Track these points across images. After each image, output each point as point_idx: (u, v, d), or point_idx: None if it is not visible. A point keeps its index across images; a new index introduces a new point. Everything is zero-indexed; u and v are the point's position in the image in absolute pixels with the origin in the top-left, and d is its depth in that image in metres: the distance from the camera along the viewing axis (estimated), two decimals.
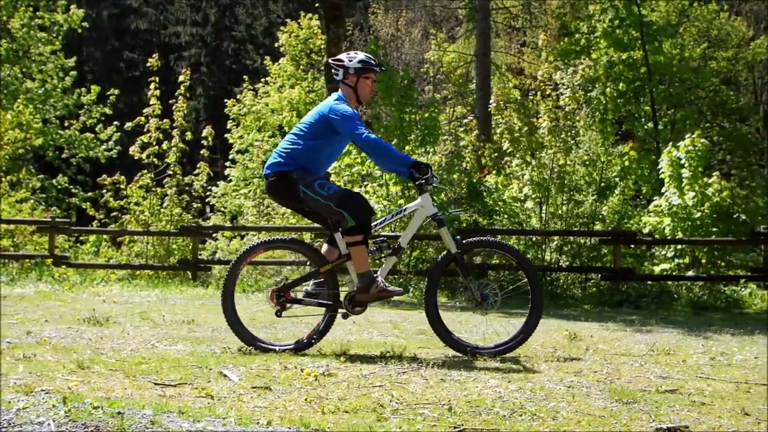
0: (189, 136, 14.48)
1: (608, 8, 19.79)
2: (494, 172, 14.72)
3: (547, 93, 14.03)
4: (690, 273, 12.54)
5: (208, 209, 18.42)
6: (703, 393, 4.68)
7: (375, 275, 5.88)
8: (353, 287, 5.99)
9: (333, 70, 6.23)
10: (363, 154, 12.87)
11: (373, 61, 6.16)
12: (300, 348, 5.89)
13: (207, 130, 15.11)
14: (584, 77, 15.20)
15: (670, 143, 14.06)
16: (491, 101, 14.61)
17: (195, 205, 14.84)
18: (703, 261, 12.97)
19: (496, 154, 14.63)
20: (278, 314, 6.02)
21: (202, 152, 15.16)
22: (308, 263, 6.69)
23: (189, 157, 17.12)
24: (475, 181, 13.95)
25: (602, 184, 13.62)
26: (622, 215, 13.78)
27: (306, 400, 4.19)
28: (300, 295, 6.05)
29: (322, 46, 21.05)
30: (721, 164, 23.12)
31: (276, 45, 24.15)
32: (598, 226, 13.41)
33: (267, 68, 24.02)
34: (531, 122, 13.89)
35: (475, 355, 5.78)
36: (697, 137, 13.37)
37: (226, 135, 20.49)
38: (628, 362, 5.77)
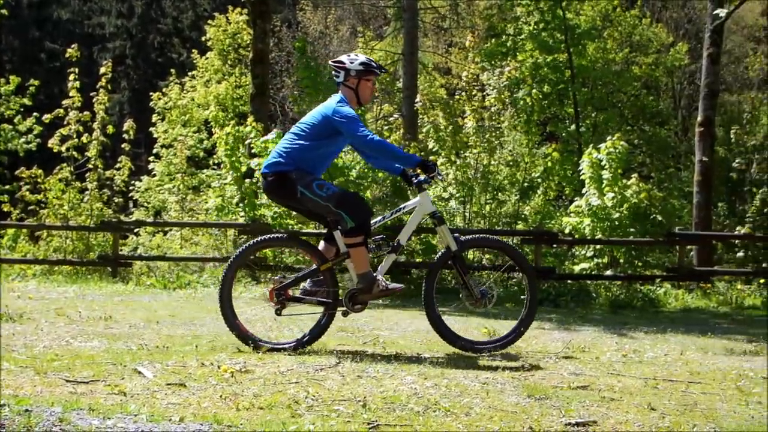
0: (111, 129, 14.20)
1: (534, 11, 20.06)
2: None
3: (473, 93, 14.15)
4: (608, 272, 12.79)
5: (131, 204, 18.12)
6: (613, 389, 4.78)
7: (375, 274, 5.94)
8: (353, 285, 6.03)
9: (333, 72, 6.24)
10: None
11: (374, 64, 6.20)
12: (299, 346, 5.91)
13: (128, 124, 14.84)
14: (510, 78, 15.41)
15: (591, 145, 14.32)
16: (417, 100, 14.68)
17: (116, 200, 14.57)
18: (621, 261, 13.25)
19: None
20: (278, 313, 6.04)
21: (123, 146, 14.88)
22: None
23: (112, 151, 16.81)
24: (399, 179, 13.98)
25: (525, 185, 13.81)
26: (544, 215, 14.00)
27: (221, 396, 4.16)
28: (299, 294, 6.07)
29: (250, 41, 20.87)
30: (640, 167, 23.66)
31: (203, 39, 23.88)
32: (520, 226, 13.60)
33: (194, 62, 23.74)
34: (456, 122, 14.00)
35: (475, 351, 5.96)
36: (618, 140, 13.64)
37: (151, 129, 20.19)
38: (544, 359, 5.86)
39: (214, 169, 17.91)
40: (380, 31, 27.56)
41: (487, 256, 12.80)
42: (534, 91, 15.17)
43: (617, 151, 13.44)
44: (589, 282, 12.58)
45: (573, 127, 20.75)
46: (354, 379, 4.76)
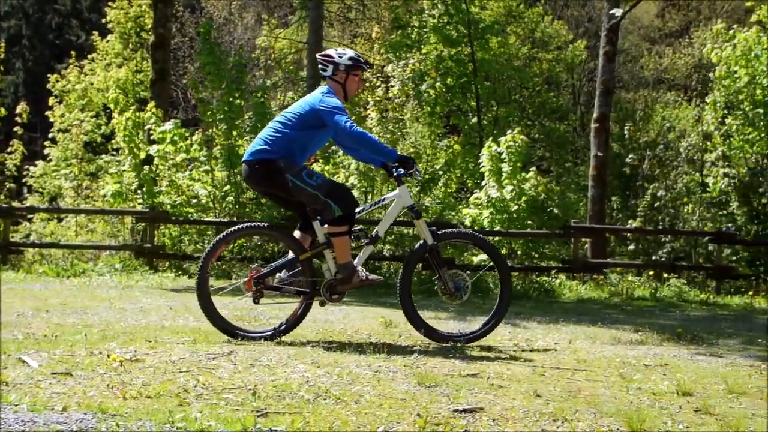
0: (2, 112, 13.74)
1: (438, 3, 20.23)
2: (321, 160, 14.79)
3: (377, 85, 14.21)
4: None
5: (25, 190, 17.58)
6: (502, 377, 4.89)
7: (355, 265, 5.99)
8: (330, 275, 6.05)
9: (320, 66, 6.27)
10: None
11: (361, 59, 6.28)
12: (277, 335, 5.95)
13: (21, 107, 14.39)
14: (414, 71, 15.54)
15: (491, 139, 14.57)
16: None
17: (8, 185, 14.13)
18: (519, 252, 13.55)
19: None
20: (256, 301, 6.01)
21: (15, 129, 14.42)
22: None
23: (6, 134, 16.28)
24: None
25: (427, 176, 13.95)
26: (445, 206, 14.16)
27: (108, 385, 4.10)
28: (276, 282, 6.04)
29: (152, 25, 20.46)
30: (540, 161, 24.21)
31: (104, 21, 23.28)
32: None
33: (94, 45, 23.14)
34: (359, 112, 14.04)
35: (448, 342, 6.09)
36: (518, 134, 13.91)
37: (48, 113, 19.61)
38: (437, 348, 5.95)
39: (112, 154, 17.52)
40: (285, 20, 27.38)
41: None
42: (437, 84, 15.34)
43: (517, 144, 13.71)
44: (487, 273, 12.79)
45: (475, 120, 21.04)
46: (246, 367, 4.74)
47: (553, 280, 12.69)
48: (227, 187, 13.50)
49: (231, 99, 13.51)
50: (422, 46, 19.97)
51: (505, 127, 19.11)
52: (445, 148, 15.20)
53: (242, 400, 3.92)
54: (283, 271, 6.10)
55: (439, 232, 6.33)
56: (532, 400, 4.31)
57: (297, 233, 6.21)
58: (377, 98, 13.78)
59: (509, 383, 4.71)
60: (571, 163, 23.95)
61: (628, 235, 16.26)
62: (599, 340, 7.14)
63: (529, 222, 13.35)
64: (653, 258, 15.38)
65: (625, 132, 20.14)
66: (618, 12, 13.59)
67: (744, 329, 8.80)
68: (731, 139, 16.71)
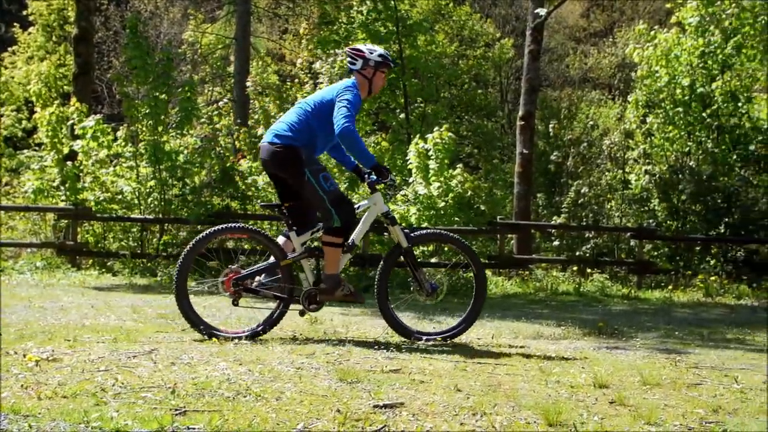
0: None
1: (367, 0, 20.25)
2: (250, 156, 14.70)
3: (305, 81, 14.18)
4: (433, 260, 13.13)
5: None
6: (424, 372, 4.93)
7: (341, 278, 6.06)
8: (307, 285, 6.09)
9: (349, 59, 6.29)
10: None
11: (389, 58, 6.35)
12: (253, 336, 5.96)
13: None
14: (342, 67, 15.51)
15: (418, 135, 14.65)
16: (248, 85, 14.57)
17: None
18: (446, 248, 13.65)
19: (255, 139, 14.61)
20: (235, 303, 6.01)
21: None
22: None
23: None
24: (228, 165, 13.84)
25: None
26: (306, 240, 14.14)
27: (22, 386, 4.01)
28: (255, 286, 6.06)
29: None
30: (468, 158, 24.44)
31: (25, 13, 22.73)
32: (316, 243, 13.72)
33: (15, 37, 22.58)
34: (287, 108, 13.97)
35: (426, 341, 6.15)
36: (445, 131, 14.01)
37: None
38: (362, 344, 5.97)
39: (34, 150, 17.12)
40: (213, 15, 27.11)
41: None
42: None
43: (444, 141, 13.81)
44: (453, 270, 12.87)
45: (403, 116, 21.13)
46: (167, 366, 4.69)
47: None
48: (152, 184, 13.31)
49: (157, 94, 13.32)
50: (350, 43, 19.94)
51: (433, 124, 19.23)
52: (373, 144, 15.23)
53: (161, 399, 3.87)
54: (263, 275, 6.11)
55: (413, 234, 6.41)
56: (453, 394, 4.36)
57: (281, 239, 6.18)
58: (305, 95, 13.73)
59: (431, 378, 4.75)
60: (498, 160, 24.23)
61: (553, 231, 16.53)
62: (522, 335, 7.25)
63: (456, 218, 13.46)
64: (577, 254, 15.67)
65: (550, 130, 20.46)
66: (542, 11, 13.80)
67: (662, 323, 9.03)
68: (652, 137, 17.12)
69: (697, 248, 14.67)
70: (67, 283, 10.57)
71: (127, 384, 4.15)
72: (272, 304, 6.16)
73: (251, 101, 14.78)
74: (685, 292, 12.75)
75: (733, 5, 16.54)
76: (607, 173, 17.88)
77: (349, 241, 6.15)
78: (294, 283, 6.13)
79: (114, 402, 3.77)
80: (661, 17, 27.14)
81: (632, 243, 15.01)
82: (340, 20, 21.28)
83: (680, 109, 16.55)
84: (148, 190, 13.37)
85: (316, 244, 6.37)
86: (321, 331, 6.73)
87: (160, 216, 13.26)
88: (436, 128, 14.43)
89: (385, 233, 12.37)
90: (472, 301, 6.49)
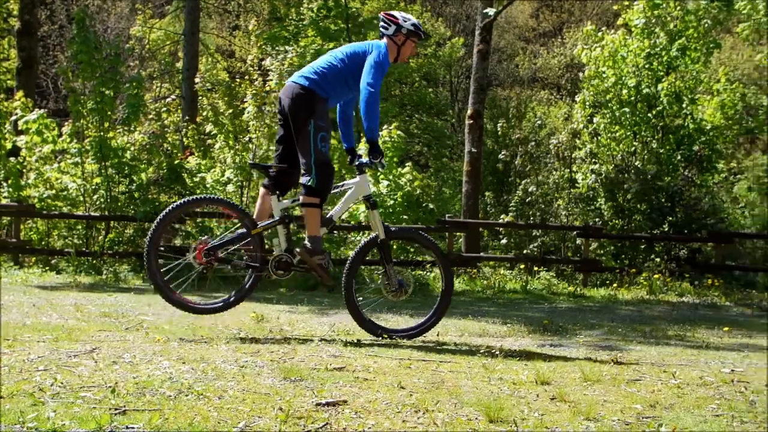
0: None
1: None
2: (199, 153, 14.59)
3: (255, 78, 14.10)
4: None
5: None
6: (368, 369, 4.95)
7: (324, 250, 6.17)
8: (279, 251, 6.14)
9: (383, 24, 6.38)
10: None
11: (422, 29, 6.46)
12: (227, 307, 6.11)
13: None
14: (292, 64, 15.45)
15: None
16: (197, 81, 14.44)
17: None
18: (395, 246, 13.68)
19: (203, 136, 14.50)
20: (205, 272, 6.06)
21: None
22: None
23: None
24: (176, 162, 13.72)
25: None
26: (287, 208, 14.11)
27: None
28: (226, 255, 6.11)
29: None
30: (418, 156, 24.51)
31: None
32: (297, 212, 13.69)
33: None
34: (236, 105, 13.90)
35: (391, 338, 6.20)
36: (394, 129, 14.04)
37: None
38: (307, 342, 5.97)
39: None
40: (161, 10, 26.82)
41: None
42: None
43: (393, 139, 13.85)
44: (363, 267, 12.88)
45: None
46: (108, 365, 4.64)
47: (428, 273, 12.88)
48: (98, 180, 13.15)
49: (104, 90, 13.14)
50: (300, 40, 19.87)
51: (382, 122, 19.25)
52: None
53: (101, 398, 3.83)
54: (234, 244, 6.16)
55: (392, 228, 6.49)
56: (396, 391, 4.38)
57: (261, 190, 6.32)
58: (254, 91, 13.65)
59: (375, 376, 4.77)
60: (447, 158, 24.35)
61: (501, 229, 16.66)
62: (468, 333, 7.31)
63: (405, 216, 13.51)
64: (524, 252, 15.81)
65: (499, 129, 20.61)
66: (491, 11, 13.88)
67: (607, 320, 9.17)
68: (599, 137, 17.36)
69: (642, 247, 14.89)
70: (9, 282, 10.39)
71: (66, 383, 4.10)
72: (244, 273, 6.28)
73: (200, 98, 14.64)
74: (629, 290, 12.95)
75: (678, 8, 16.84)
76: (554, 172, 18.07)
77: (328, 215, 6.29)
78: (264, 251, 6.19)
79: (52, 402, 3.72)
80: (608, 19, 27.53)
81: (578, 241, 15.19)
82: (290, 17, 21.20)
83: (626, 109, 16.80)
84: (93, 187, 13.21)
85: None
86: (267, 329, 6.72)
87: (106, 213, 13.10)
88: (386, 126, 14.46)
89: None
90: (439, 300, 6.58)
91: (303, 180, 6.05)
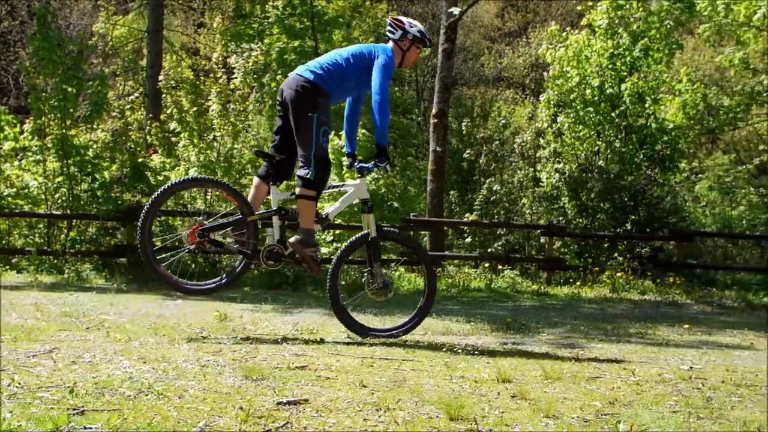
0: None
1: None
2: (162, 151, 14.47)
3: (219, 76, 14.02)
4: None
5: None
6: (330, 368, 4.95)
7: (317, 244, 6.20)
8: (272, 241, 6.17)
9: (390, 28, 6.50)
10: None
11: (427, 36, 6.60)
12: (220, 288, 6.26)
13: None
14: (256, 62, 15.42)
15: (333, 132, 14.62)
16: (161, 79, 14.34)
17: None
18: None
19: (167, 134, 14.38)
20: (195, 252, 6.15)
21: None
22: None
23: None
24: (140, 160, 13.60)
25: None
26: (286, 199, 14.06)
27: None
28: (219, 239, 6.14)
29: None
30: None
31: None
32: (261, 208, 13.63)
33: None
34: (201, 103, 13.80)
35: (375, 337, 6.22)
36: (360, 127, 14.01)
37: None
38: (270, 341, 5.96)
39: None
40: (125, 6, 26.58)
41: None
42: (279, 76, 15.31)
43: (358, 138, 13.82)
44: (327, 266, 12.84)
45: None
46: (67, 365, 4.59)
47: (393, 272, 12.90)
48: (60, 179, 13.00)
49: (66, 87, 13.00)
50: (265, 38, 19.81)
51: None
52: None
53: (59, 399, 3.80)
54: (229, 228, 6.19)
55: (385, 228, 6.61)
56: (358, 390, 4.38)
57: (256, 179, 6.38)
58: (219, 89, 13.58)
59: (337, 374, 4.77)
60: (413, 157, 24.38)
61: (466, 228, 16.72)
62: (431, 331, 7.33)
63: None
64: (489, 250, 15.89)
65: (463, 128, 20.68)
66: (456, 10, 13.93)
67: (569, 318, 9.25)
68: (563, 136, 17.48)
69: (605, 245, 15.03)
70: None
71: (24, 384, 4.05)
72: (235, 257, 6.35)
73: (164, 96, 14.53)
74: (592, 288, 13.06)
75: (641, 9, 17.01)
76: (518, 171, 18.18)
77: (324, 213, 6.38)
78: (257, 239, 6.24)
79: (9, 402, 3.68)
80: (573, 19, 27.73)
81: (542, 240, 15.29)
82: (255, 14, 21.11)
83: (590, 109, 16.94)
84: (55, 185, 13.05)
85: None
86: (230, 328, 6.68)
87: (68, 212, 12.96)
88: None
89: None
90: (423, 299, 6.63)
91: (301, 172, 6.07)
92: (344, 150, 6.60)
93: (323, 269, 6.55)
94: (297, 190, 6.14)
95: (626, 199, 15.48)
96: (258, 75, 16.27)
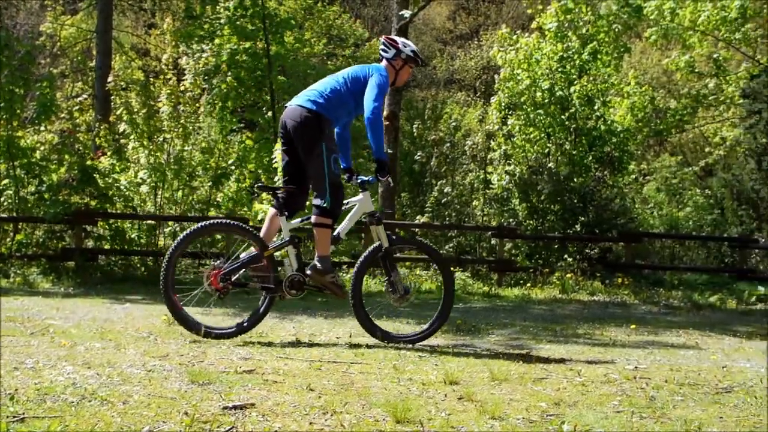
0: None
1: None
2: (112, 154, 14.28)
3: (169, 77, 13.89)
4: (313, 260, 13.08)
5: None
6: (278, 372, 4.94)
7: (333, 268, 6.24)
8: (291, 271, 6.19)
9: (383, 47, 6.60)
10: None
11: (420, 56, 6.67)
12: (241, 331, 6.20)
13: None
14: (207, 64, 15.30)
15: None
16: (109, 80, 14.15)
17: None
18: (312, 248, 13.65)
19: (117, 136, 14.20)
20: (221, 297, 6.11)
21: None
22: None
23: None
24: (88, 163, 13.40)
25: (219, 172, 13.80)
26: (237, 202, 14.01)
27: None
28: (242, 279, 6.20)
29: None
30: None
31: None
32: (212, 212, 13.57)
33: None
34: (151, 105, 13.65)
35: (398, 343, 6.31)
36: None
37: None
38: (217, 345, 5.92)
39: None
40: (74, 6, 26.21)
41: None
42: (229, 78, 15.21)
43: None
44: (279, 268, 12.81)
45: (269, 114, 20.98)
46: (9, 371, 4.52)
47: (345, 275, 12.89)
48: (6, 181, 12.78)
49: (12, 88, 12.77)
50: (215, 38, 19.64)
51: None
52: (237, 143, 15.05)
53: None
54: (248, 267, 6.24)
55: (395, 237, 6.64)
56: (305, 394, 4.38)
57: (271, 211, 6.39)
58: (169, 90, 13.44)
59: (284, 378, 4.76)
60: (364, 159, 24.39)
61: (417, 230, 16.76)
62: None
63: None
64: (440, 252, 15.94)
65: (414, 130, 20.75)
66: (407, 13, 13.98)
67: (519, 319, 9.33)
68: (513, 138, 17.62)
69: (555, 246, 15.16)
70: None
71: None
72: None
73: (113, 97, 14.33)
74: (542, 290, 13.18)
75: (590, 13, 17.22)
76: (469, 173, 18.27)
77: (335, 233, 6.37)
78: (277, 272, 6.33)
79: None
80: (523, 22, 27.96)
81: (493, 242, 15.38)
82: (206, 15, 20.93)
83: (540, 111, 17.09)
84: (1, 188, 12.82)
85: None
86: (178, 332, 6.62)
87: (15, 215, 12.75)
88: None
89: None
90: (441, 305, 6.67)
91: (317, 201, 6.15)
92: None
93: (346, 290, 6.56)
94: (313, 219, 6.21)
95: (576, 200, 15.64)
96: (209, 76, 16.11)
